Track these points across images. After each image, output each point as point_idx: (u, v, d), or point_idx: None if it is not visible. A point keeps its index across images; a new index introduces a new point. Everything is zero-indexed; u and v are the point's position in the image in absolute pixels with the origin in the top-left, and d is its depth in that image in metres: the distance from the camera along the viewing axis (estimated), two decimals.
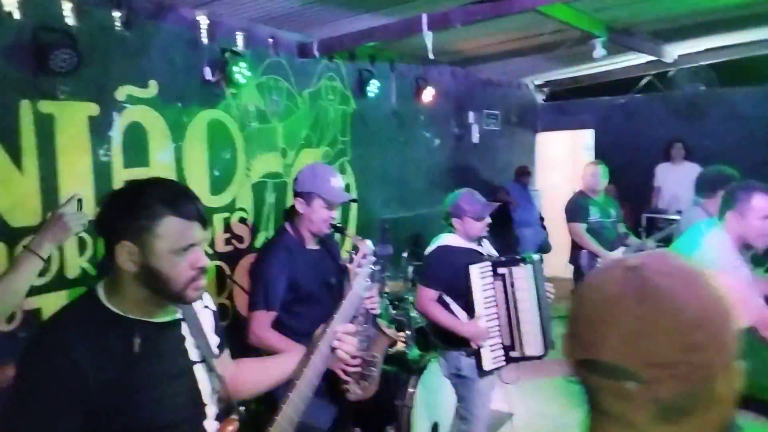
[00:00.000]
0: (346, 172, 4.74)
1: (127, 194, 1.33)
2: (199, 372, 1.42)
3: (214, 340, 1.51)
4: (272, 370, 1.63)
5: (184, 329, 1.42)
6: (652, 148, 6.88)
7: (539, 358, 2.98)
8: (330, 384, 2.34)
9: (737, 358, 0.70)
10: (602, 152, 7.08)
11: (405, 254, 4.45)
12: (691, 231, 2.68)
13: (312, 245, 2.58)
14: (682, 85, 6.94)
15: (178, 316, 1.41)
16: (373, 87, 4.76)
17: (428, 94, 5.41)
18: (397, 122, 5.30)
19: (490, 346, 2.93)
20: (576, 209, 4.87)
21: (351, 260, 1.88)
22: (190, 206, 1.31)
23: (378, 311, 2.48)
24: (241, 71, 3.59)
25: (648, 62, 6.32)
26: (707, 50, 6.10)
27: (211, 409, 1.44)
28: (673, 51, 5.75)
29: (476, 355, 2.93)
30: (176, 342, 1.40)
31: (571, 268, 5.04)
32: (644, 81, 7.24)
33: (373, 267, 1.90)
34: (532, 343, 2.95)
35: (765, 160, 6.28)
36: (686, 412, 0.69)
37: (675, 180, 6.43)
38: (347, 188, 4.72)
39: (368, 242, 1.99)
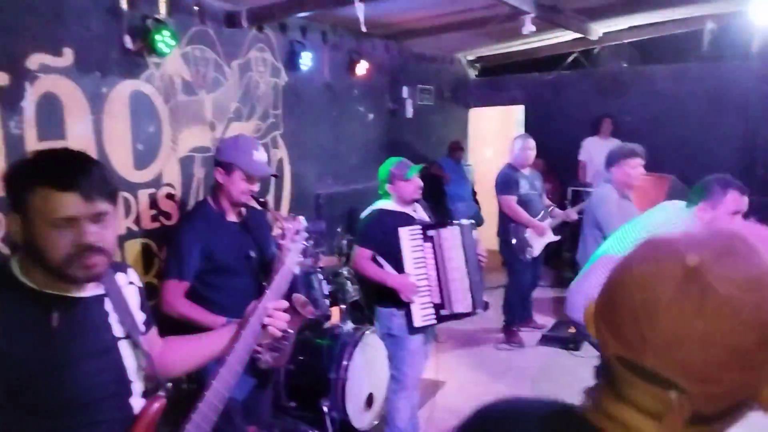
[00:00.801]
0: (279, 146, 4.66)
1: (12, 167, 1.28)
2: (124, 348, 1.39)
3: (139, 317, 1.48)
4: (202, 347, 1.61)
5: (108, 305, 1.38)
6: (579, 123, 7.14)
7: (468, 315, 3.13)
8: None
9: None
10: (532, 127, 7.27)
11: (339, 229, 4.45)
12: (664, 211, 2.76)
13: (233, 217, 2.57)
14: (606, 62, 7.20)
15: (100, 291, 1.38)
16: (305, 60, 4.67)
17: (362, 68, 5.37)
18: (330, 96, 5.23)
19: (421, 304, 3.07)
20: (507, 182, 5.00)
21: (283, 236, 1.87)
22: (67, 176, 1.22)
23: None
24: (164, 40, 3.44)
25: (574, 39, 6.51)
26: (630, 28, 6.34)
27: (137, 386, 1.42)
28: (598, 29, 5.94)
29: (407, 313, 3.06)
30: (99, 318, 1.36)
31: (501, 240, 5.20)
32: (571, 58, 7.45)
33: (305, 243, 1.89)
34: (461, 300, 3.10)
35: (678, 135, 6.65)
36: (721, 418, 0.66)
37: (601, 154, 6.67)
38: (280, 163, 4.65)
39: (301, 218, 1.99)
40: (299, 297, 2.61)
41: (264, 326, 1.58)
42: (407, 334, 3.13)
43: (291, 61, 4.66)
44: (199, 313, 2.40)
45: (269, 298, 1.62)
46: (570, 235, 5.78)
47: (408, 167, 3.17)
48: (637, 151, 3.75)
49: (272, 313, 1.59)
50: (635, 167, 3.69)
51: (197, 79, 3.91)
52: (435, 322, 3.13)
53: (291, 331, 2.53)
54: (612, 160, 3.81)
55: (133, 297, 1.48)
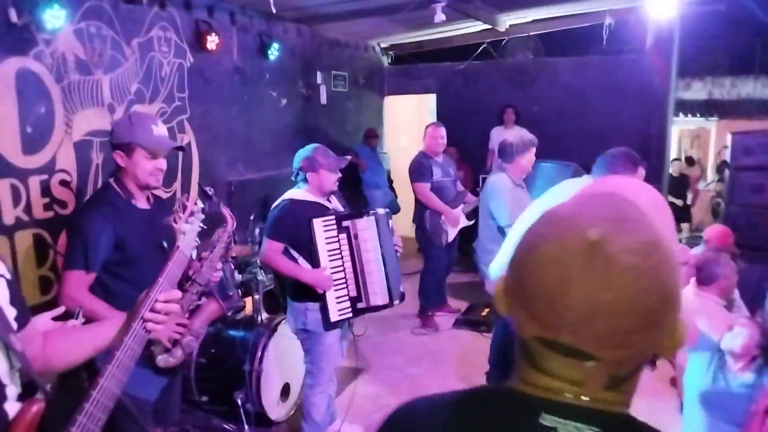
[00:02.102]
0: (186, 131, 4.44)
1: None
2: None
3: (10, 313, 1.32)
4: (88, 339, 1.47)
5: None
6: (488, 112, 7.33)
7: (385, 307, 3.08)
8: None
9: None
10: (444, 116, 7.39)
11: (252, 217, 4.31)
12: (568, 186, 2.79)
13: (143, 204, 2.37)
14: (514, 53, 7.43)
15: None
16: (212, 40, 4.47)
17: (273, 52, 5.22)
18: (240, 79, 5.05)
19: (337, 298, 2.97)
20: (421, 169, 5.05)
21: (177, 219, 1.74)
22: None
23: (217, 278, 2.33)
24: (53, 14, 3.16)
25: (484, 30, 6.68)
26: (535, 21, 6.58)
27: (12, 390, 1.27)
28: (506, 20, 6.11)
29: (323, 307, 2.95)
30: None
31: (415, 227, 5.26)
32: (481, 48, 7.63)
33: (202, 226, 1.78)
34: (378, 293, 3.03)
35: (580, 125, 6.98)
36: (630, 377, 0.70)
37: None
38: (187, 148, 4.44)
39: (197, 200, 1.87)
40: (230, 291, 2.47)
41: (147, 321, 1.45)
42: (323, 330, 3.02)
43: (197, 42, 4.44)
44: (105, 309, 2.18)
45: (161, 287, 1.50)
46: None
47: (333, 156, 3.06)
48: (534, 141, 4.06)
49: (158, 306, 1.46)
50: (533, 158, 3.99)
51: (93, 57, 3.64)
52: (351, 315, 3.03)
53: (196, 323, 2.36)
54: (520, 148, 3.94)
55: (1, 292, 1.32)
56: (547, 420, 0.68)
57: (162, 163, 2.31)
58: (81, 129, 3.57)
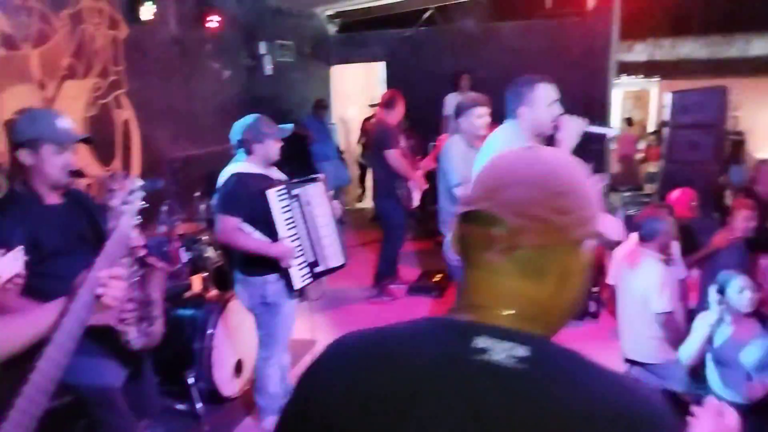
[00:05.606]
0: (123, 106, 4.28)
1: None
2: None
3: None
4: (25, 326, 1.43)
5: None
6: (439, 78, 7.29)
7: (341, 267, 3.17)
8: (112, 346, 2.15)
9: (587, 244, 0.81)
10: (394, 84, 7.32)
11: (198, 194, 4.22)
12: (498, 134, 2.88)
13: (54, 200, 2.24)
14: (460, 18, 7.40)
15: None
16: (147, 10, 4.28)
17: (213, 21, 5.05)
18: (179, 51, 4.88)
19: (298, 265, 2.99)
20: (393, 137, 5.02)
21: (113, 197, 1.69)
22: None
23: (140, 245, 2.26)
24: None
25: None
26: None
27: None
28: None
29: (286, 276, 2.97)
30: None
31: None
32: (427, 14, 7.57)
33: (141, 203, 1.73)
34: (333, 255, 3.13)
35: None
36: (541, 271, 0.78)
37: None
38: (126, 125, 4.29)
39: (133, 177, 1.81)
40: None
41: (98, 297, 1.43)
42: (286, 299, 3.03)
43: (131, 11, 4.25)
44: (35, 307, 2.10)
45: (100, 265, 1.47)
46: (432, 189, 5.97)
47: (275, 125, 3.03)
48: (479, 101, 3.85)
49: (106, 281, 1.45)
50: (481, 116, 3.79)
51: (19, 31, 3.45)
52: (312, 280, 3.08)
53: (154, 294, 2.32)
54: (458, 112, 3.94)
55: None
56: (480, 342, 0.73)
57: (71, 158, 2.20)
58: (9, 108, 3.39)
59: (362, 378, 0.76)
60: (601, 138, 2.52)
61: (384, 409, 0.73)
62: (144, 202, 1.74)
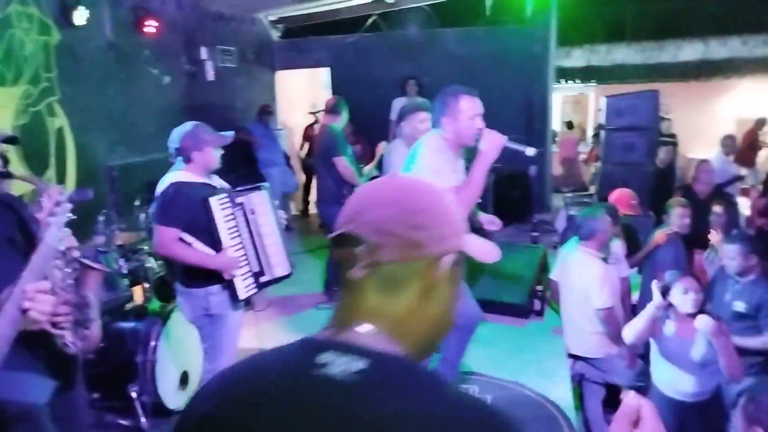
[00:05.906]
0: (56, 114, 4.12)
1: None
2: None
3: None
4: None
5: None
6: (384, 84, 7.34)
7: (287, 276, 3.09)
8: (42, 354, 2.05)
9: (454, 259, 0.84)
10: (339, 89, 7.32)
11: (138, 203, 4.10)
12: (421, 142, 2.90)
13: None
14: (403, 25, 7.47)
15: None
16: (80, 15, 4.14)
17: (150, 26, 4.93)
18: (115, 56, 4.74)
19: (242, 275, 2.91)
20: (340, 143, 4.97)
21: (41, 209, 1.62)
22: None
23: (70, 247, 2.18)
24: None
25: (373, 2, 6.65)
26: None
27: None
28: None
29: (229, 287, 2.88)
30: None
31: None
32: (371, 20, 7.61)
33: (69, 215, 1.66)
34: (279, 264, 3.05)
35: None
36: (400, 285, 0.82)
37: None
38: (60, 132, 4.13)
39: (59, 187, 1.73)
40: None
41: (25, 311, 1.37)
42: (230, 310, 2.93)
43: (63, 17, 4.11)
44: None
45: (26, 279, 1.42)
46: None
47: (215, 132, 2.94)
48: (422, 105, 3.91)
49: (33, 296, 1.39)
50: (422, 121, 3.82)
51: None
52: (256, 290, 2.99)
53: (90, 295, 2.21)
54: (401, 116, 3.98)
55: None
56: (323, 358, 0.76)
57: None
58: None
59: (216, 402, 0.78)
60: (521, 153, 2.63)
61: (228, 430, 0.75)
62: (72, 214, 1.67)
